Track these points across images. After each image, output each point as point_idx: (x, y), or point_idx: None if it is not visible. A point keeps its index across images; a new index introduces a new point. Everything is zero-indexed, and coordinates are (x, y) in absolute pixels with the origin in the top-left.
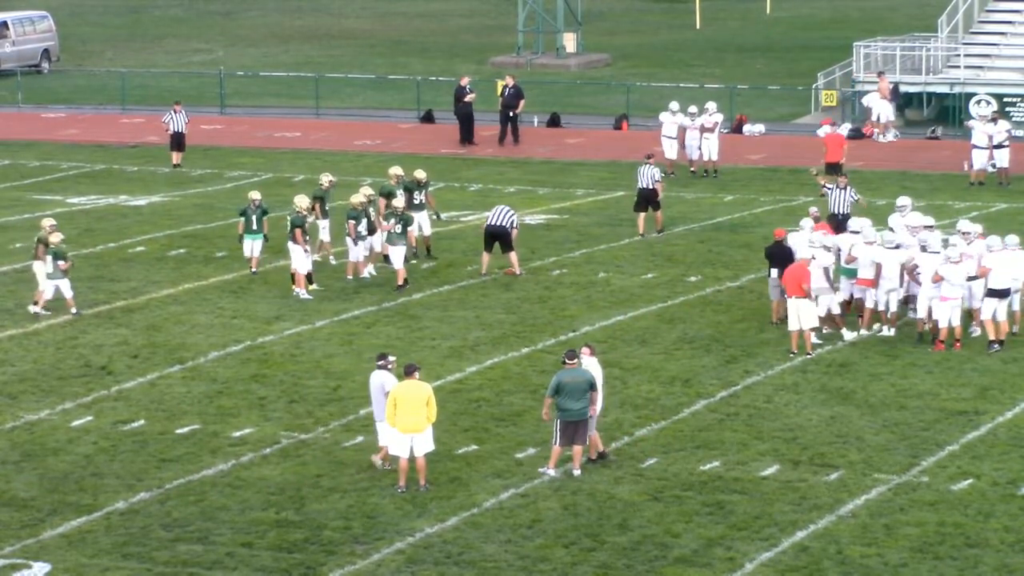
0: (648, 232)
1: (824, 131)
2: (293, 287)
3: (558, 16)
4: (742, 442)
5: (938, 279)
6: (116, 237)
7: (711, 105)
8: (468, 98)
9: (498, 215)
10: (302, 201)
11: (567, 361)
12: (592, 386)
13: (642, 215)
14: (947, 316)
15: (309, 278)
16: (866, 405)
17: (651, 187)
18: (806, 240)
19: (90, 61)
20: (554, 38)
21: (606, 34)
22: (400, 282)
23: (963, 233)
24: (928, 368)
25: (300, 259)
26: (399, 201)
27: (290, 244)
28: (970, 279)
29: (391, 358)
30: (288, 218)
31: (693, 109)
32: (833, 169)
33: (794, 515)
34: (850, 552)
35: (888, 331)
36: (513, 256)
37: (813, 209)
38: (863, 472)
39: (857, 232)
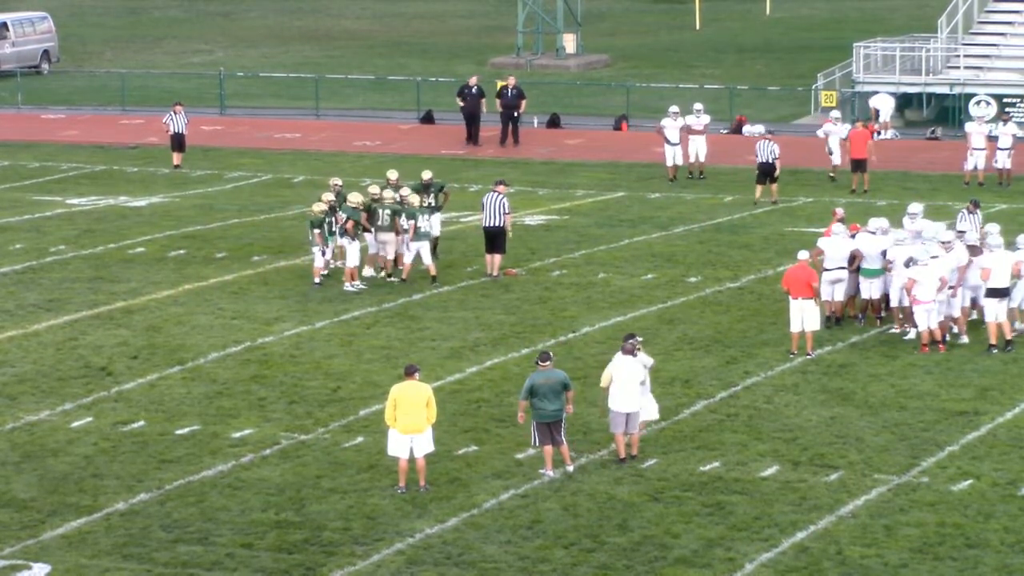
0: (764, 198)
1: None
2: (347, 283)
3: (558, 17)
4: (742, 443)
5: (911, 285)
6: (116, 238)
7: (699, 106)
8: (479, 100)
9: (493, 213)
10: (356, 198)
11: (540, 363)
12: (566, 386)
13: (760, 187)
14: (924, 320)
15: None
16: (866, 406)
17: (771, 161)
18: (838, 244)
19: (90, 62)
20: (554, 39)
21: (606, 35)
22: (405, 275)
23: (942, 243)
24: (928, 369)
25: (353, 254)
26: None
27: (345, 240)
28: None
29: (635, 340)
30: (345, 216)
31: (675, 109)
32: (858, 166)
33: (794, 516)
34: (850, 553)
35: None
36: (498, 258)
37: (839, 210)
38: (863, 473)
39: (873, 232)
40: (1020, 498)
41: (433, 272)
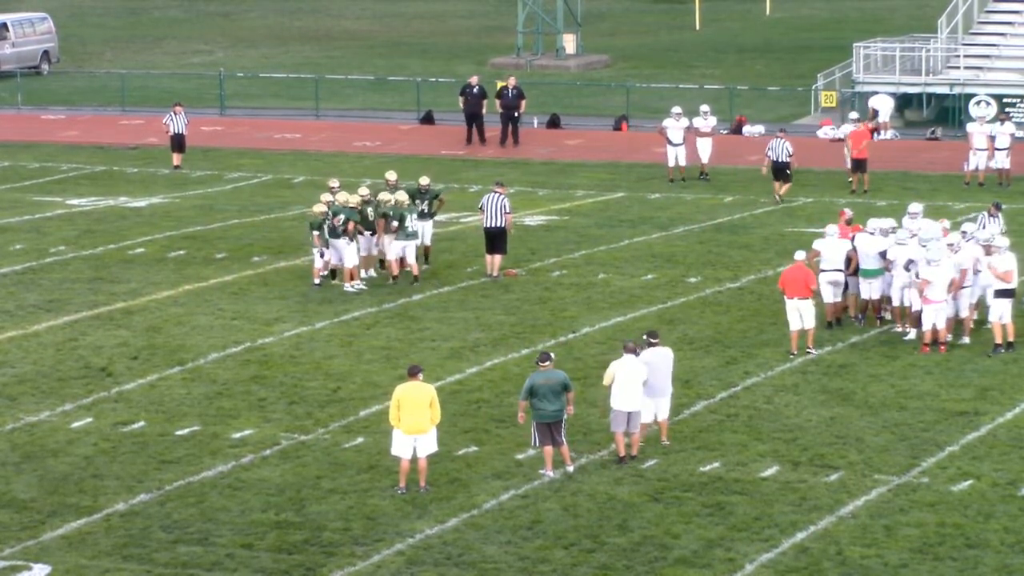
0: (783, 197)
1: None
2: (345, 283)
3: (558, 17)
4: (742, 443)
5: (924, 286)
6: (116, 239)
7: (705, 108)
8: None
9: (493, 213)
10: (351, 198)
11: (540, 363)
12: (567, 387)
13: (777, 183)
14: (931, 320)
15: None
16: (866, 406)
17: (784, 160)
18: (834, 245)
19: (90, 62)
20: (554, 39)
21: (606, 35)
22: (396, 273)
23: (948, 244)
24: (928, 369)
25: (351, 254)
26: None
27: (343, 241)
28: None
29: (652, 336)
30: (341, 215)
31: (678, 109)
32: (858, 166)
33: (794, 516)
34: (850, 553)
35: (910, 332)
36: (499, 259)
37: (847, 211)
38: (863, 473)
39: (872, 233)
40: (1020, 498)
41: (416, 272)
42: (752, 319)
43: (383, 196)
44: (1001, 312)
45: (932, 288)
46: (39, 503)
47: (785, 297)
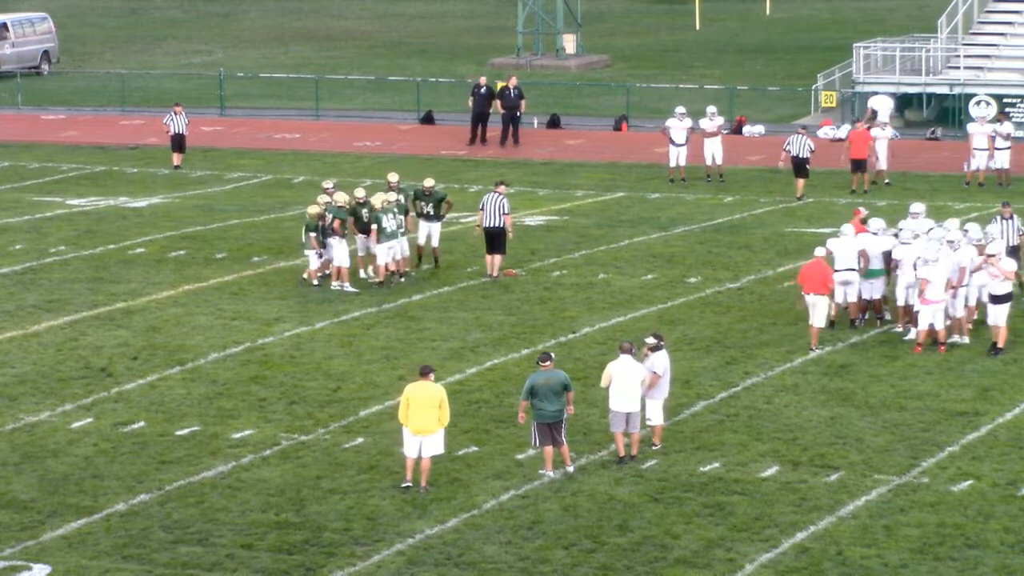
0: (802, 195)
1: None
2: (333, 281)
3: (558, 17)
4: (742, 443)
5: (924, 285)
6: (116, 239)
7: (712, 109)
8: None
9: (493, 213)
10: (341, 197)
11: (541, 363)
12: (567, 387)
13: (800, 180)
14: (928, 319)
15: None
16: (866, 406)
17: (805, 156)
18: (847, 245)
19: (90, 63)
20: (554, 39)
21: (605, 35)
22: (380, 277)
23: (948, 242)
24: (928, 369)
25: (341, 253)
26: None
27: (334, 240)
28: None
29: (654, 337)
30: (329, 215)
31: (682, 109)
32: (857, 166)
33: (794, 516)
34: (850, 553)
35: (912, 332)
36: (499, 259)
37: (862, 209)
38: (863, 473)
39: (875, 233)
40: (1020, 498)
41: (395, 268)
42: (752, 319)
43: (373, 199)
44: (996, 315)
45: (930, 287)
46: (39, 503)
47: (802, 292)
